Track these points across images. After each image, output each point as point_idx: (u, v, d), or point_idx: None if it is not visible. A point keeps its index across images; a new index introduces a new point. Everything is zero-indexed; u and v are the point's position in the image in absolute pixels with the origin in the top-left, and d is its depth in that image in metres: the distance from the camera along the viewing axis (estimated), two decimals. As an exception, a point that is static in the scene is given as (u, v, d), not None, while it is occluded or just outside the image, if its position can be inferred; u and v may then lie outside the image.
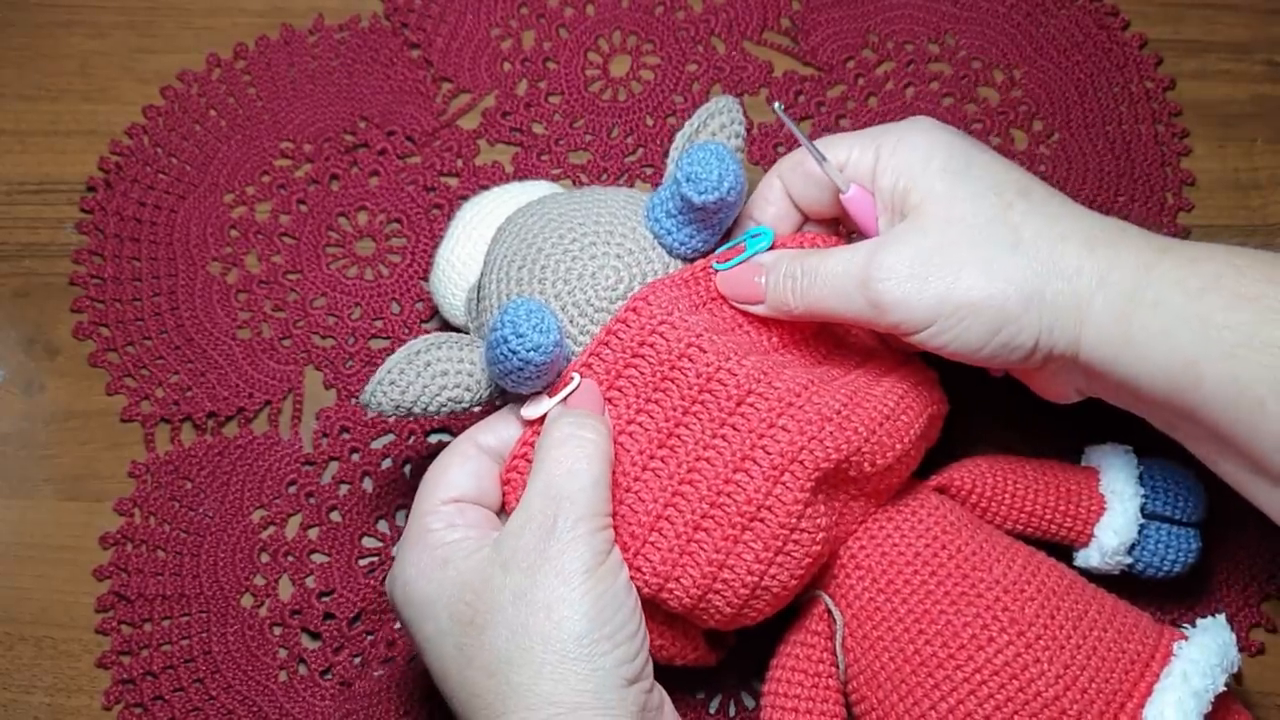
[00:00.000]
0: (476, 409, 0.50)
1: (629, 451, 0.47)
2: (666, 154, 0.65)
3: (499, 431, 0.48)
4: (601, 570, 0.43)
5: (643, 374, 0.47)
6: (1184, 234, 0.62)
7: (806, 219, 0.53)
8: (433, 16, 0.70)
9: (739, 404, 0.45)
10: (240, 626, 0.56)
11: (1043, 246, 0.44)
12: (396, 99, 0.67)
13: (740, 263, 0.50)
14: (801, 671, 0.48)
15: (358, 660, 0.55)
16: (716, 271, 0.50)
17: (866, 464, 0.46)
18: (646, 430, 0.47)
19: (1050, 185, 0.48)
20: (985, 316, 0.44)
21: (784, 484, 0.44)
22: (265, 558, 0.57)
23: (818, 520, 0.45)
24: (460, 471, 0.47)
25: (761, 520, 0.44)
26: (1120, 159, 0.64)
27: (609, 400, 0.48)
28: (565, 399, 0.47)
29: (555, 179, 0.65)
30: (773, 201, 0.53)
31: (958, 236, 0.44)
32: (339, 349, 0.61)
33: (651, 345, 0.47)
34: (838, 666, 0.48)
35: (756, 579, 0.45)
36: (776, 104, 0.51)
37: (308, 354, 0.61)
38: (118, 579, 0.57)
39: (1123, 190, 0.63)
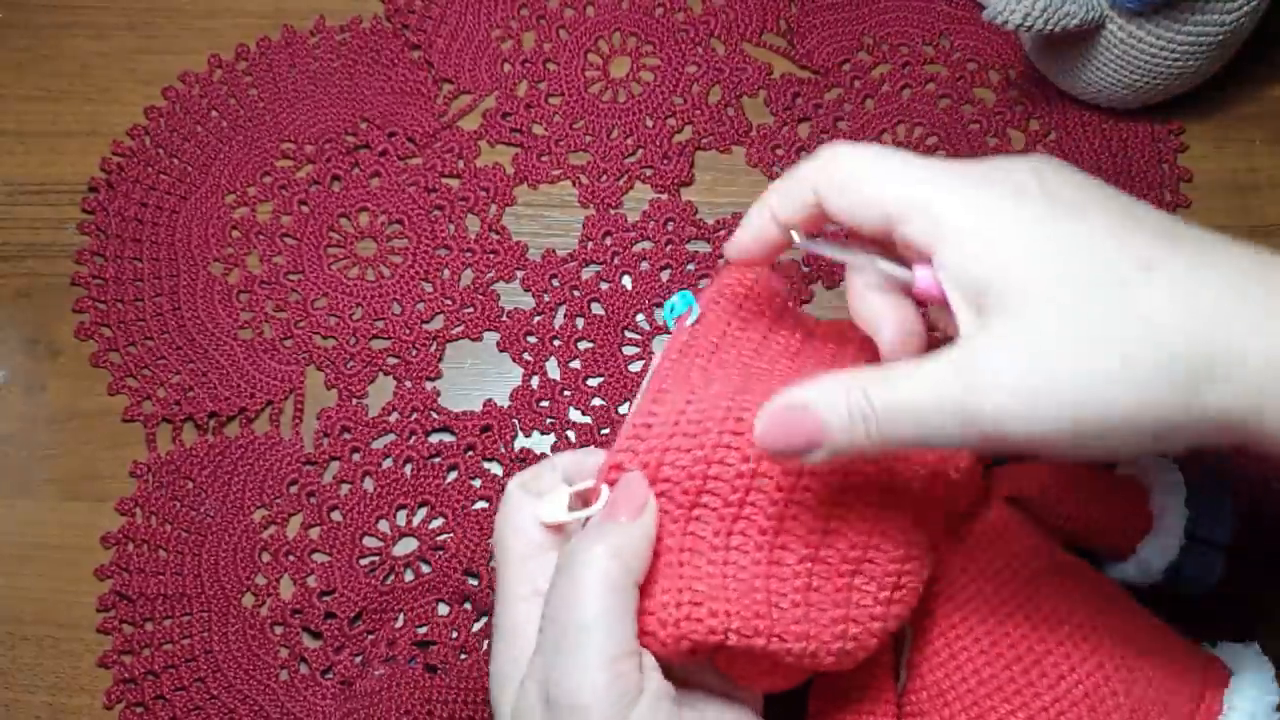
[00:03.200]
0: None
1: (708, 525, 0.41)
2: (665, 155, 0.65)
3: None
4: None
5: (681, 470, 0.41)
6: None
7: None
8: (433, 18, 0.70)
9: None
10: (241, 626, 0.56)
11: (1182, 329, 0.33)
12: (397, 100, 0.68)
13: (779, 407, 0.38)
14: (860, 681, 0.46)
15: (359, 659, 0.55)
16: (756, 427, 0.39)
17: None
18: (715, 508, 0.41)
19: (1173, 221, 0.37)
20: (1137, 429, 0.34)
21: (882, 533, 0.42)
22: (266, 557, 0.57)
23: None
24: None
25: (870, 562, 0.42)
26: (1117, 157, 0.64)
27: (663, 495, 0.41)
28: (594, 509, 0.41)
29: (555, 180, 0.66)
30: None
31: (1079, 347, 0.34)
32: (340, 349, 0.62)
33: (681, 448, 0.40)
34: (896, 679, 0.47)
35: (881, 622, 0.42)
36: (795, 235, 0.41)
37: (309, 354, 0.62)
38: (119, 578, 0.57)
39: (1120, 188, 0.63)
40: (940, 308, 0.39)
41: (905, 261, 0.39)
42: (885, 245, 0.39)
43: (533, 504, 0.43)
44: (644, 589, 0.39)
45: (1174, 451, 0.37)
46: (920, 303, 0.40)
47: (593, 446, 0.44)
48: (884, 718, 0.45)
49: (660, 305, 0.61)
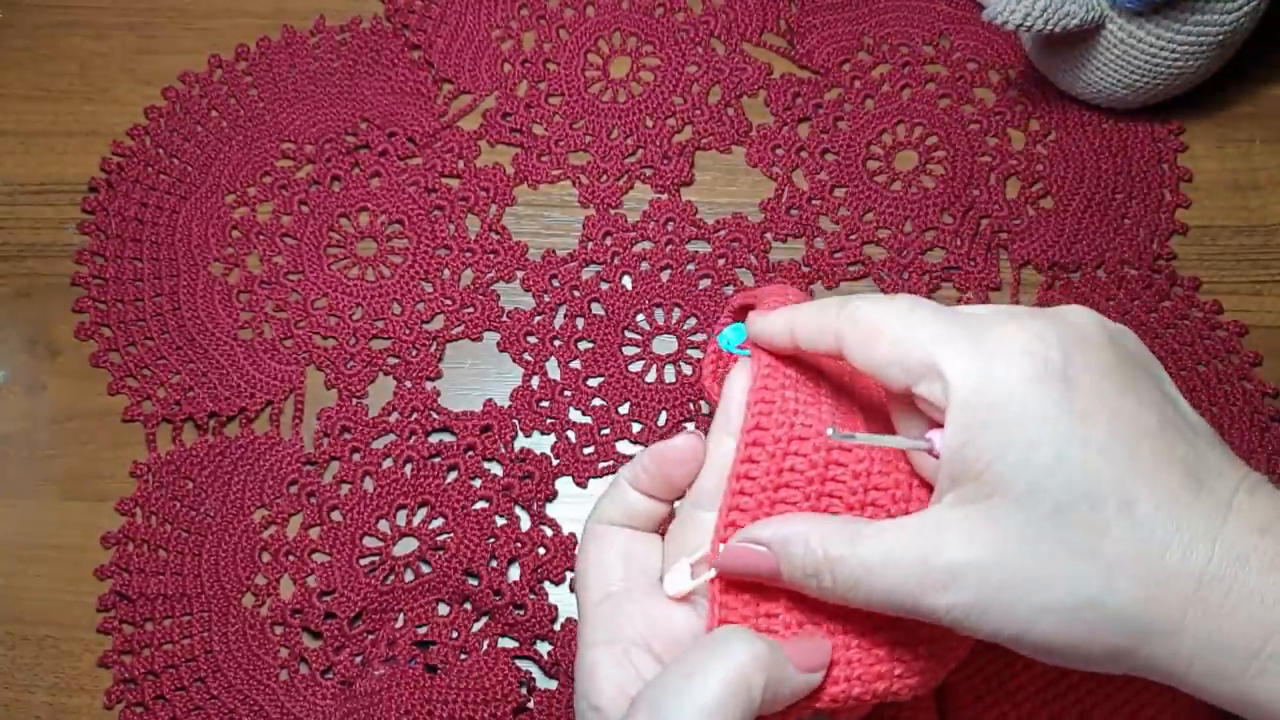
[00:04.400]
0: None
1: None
2: (665, 155, 0.65)
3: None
4: None
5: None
6: (1182, 231, 0.62)
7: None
8: (433, 18, 0.70)
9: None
10: (241, 625, 0.56)
11: (1133, 592, 0.33)
12: (398, 100, 0.68)
13: (743, 541, 0.38)
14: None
15: (359, 659, 0.55)
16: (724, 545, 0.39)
17: None
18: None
19: (1203, 449, 0.35)
20: (1065, 659, 0.35)
21: None
22: (266, 557, 0.57)
23: None
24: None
25: None
26: (1117, 157, 0.64)
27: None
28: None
29: (555, 180, 0.66)
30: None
31: (1036, 565, 0.33)
32: (340, 349, 0.62)
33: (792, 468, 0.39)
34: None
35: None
36: (830, 430, 0.39)
37: (309, 354, 0.62)
38: (119, 578, 0.57)
39: (1120, 188, 0.63)
40: None
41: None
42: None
43: (620, 539, 0.42)
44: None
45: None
46: None
47: (649, 449, 0.42)
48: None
49: (660, 305, 0.61)
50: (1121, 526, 0.33)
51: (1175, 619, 0.33)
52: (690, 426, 0.58)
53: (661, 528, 0.42)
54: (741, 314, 0.45)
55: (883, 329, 0.37)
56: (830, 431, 0.38)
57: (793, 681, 0.36)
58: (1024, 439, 0.34)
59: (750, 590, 0.38)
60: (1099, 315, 0.37)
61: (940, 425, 0.36)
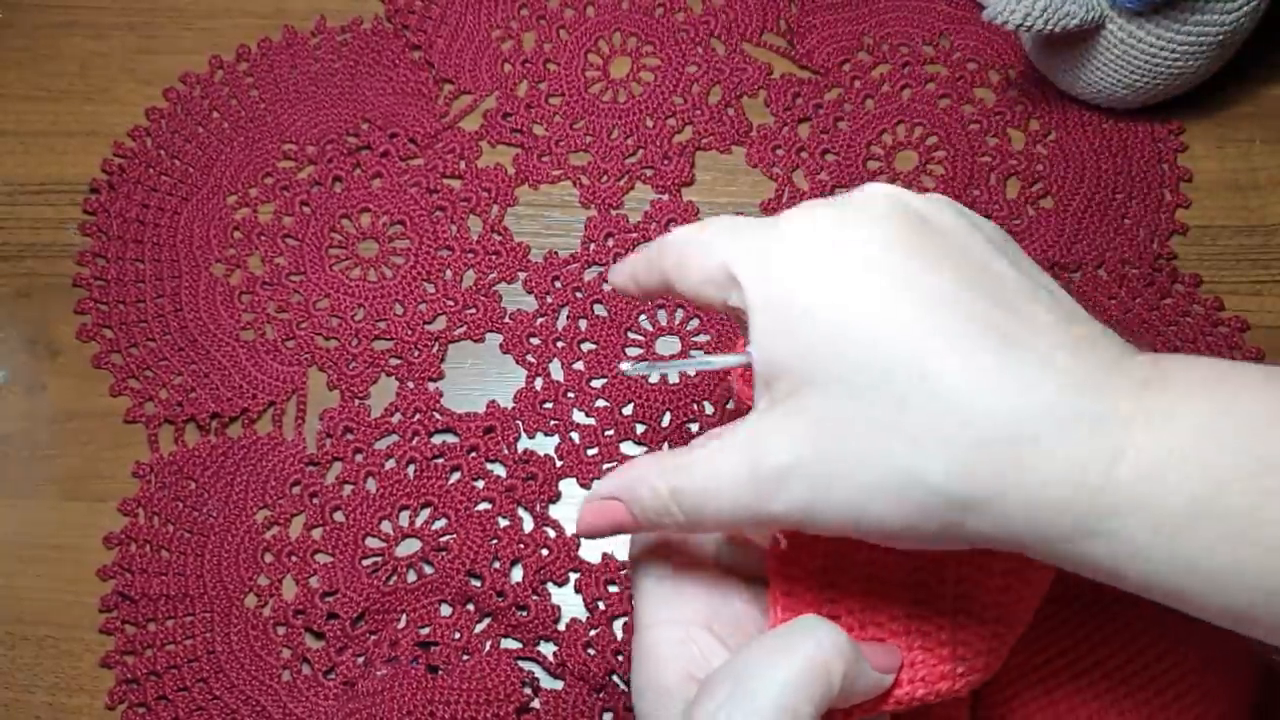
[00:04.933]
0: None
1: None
2: (666, 155, 0.65)
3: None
4: None
5: None
6: (1182, 231, 0.62)
7: None
8: (433, 18, 0.70)
9: None
10: (244, 626, 0.56)
11: (944, 466, 0.32)
12: (399, 101, 0.68)
13: (594, 499, 0.39)
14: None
15: (361, 660, 0.55)
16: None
17: None
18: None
19: (1025, 299, 0.34)
20: (902, 541, 0.34)
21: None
22: (269, 558, 0.57)
23: None
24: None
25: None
26: (1117, 157, 0.64)
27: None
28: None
29: (555, 180, 0.66)
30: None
31: (848, 449, 0.33)
32: (342, 350, 0.61)
33: None
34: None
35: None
36: (624, 365, 0.41)
37: (311, 355, 0.62)
38: (122, 579, 0.57)
39: (1120, 188, 0.63)
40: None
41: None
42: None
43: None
44: None
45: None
46: None
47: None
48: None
49: (662, 307, 0.61)
50: (922, 397, 0.32)
51: (994, 487, 0.31)
52: (694, 428, 0.58)
53: None
54: None
55: (690, 252, 0.38)
56: (626, 366, 0.39)
57: (867, 678, 0.36)
58: (818, 329, 0.33)
59: (813, 591, 0.39)
60: (897, 189, 0.36)
61: None
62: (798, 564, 0.39)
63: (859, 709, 0.37)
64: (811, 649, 0.35)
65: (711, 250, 0.37)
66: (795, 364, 0.34)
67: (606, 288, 0.42)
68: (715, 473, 0.35)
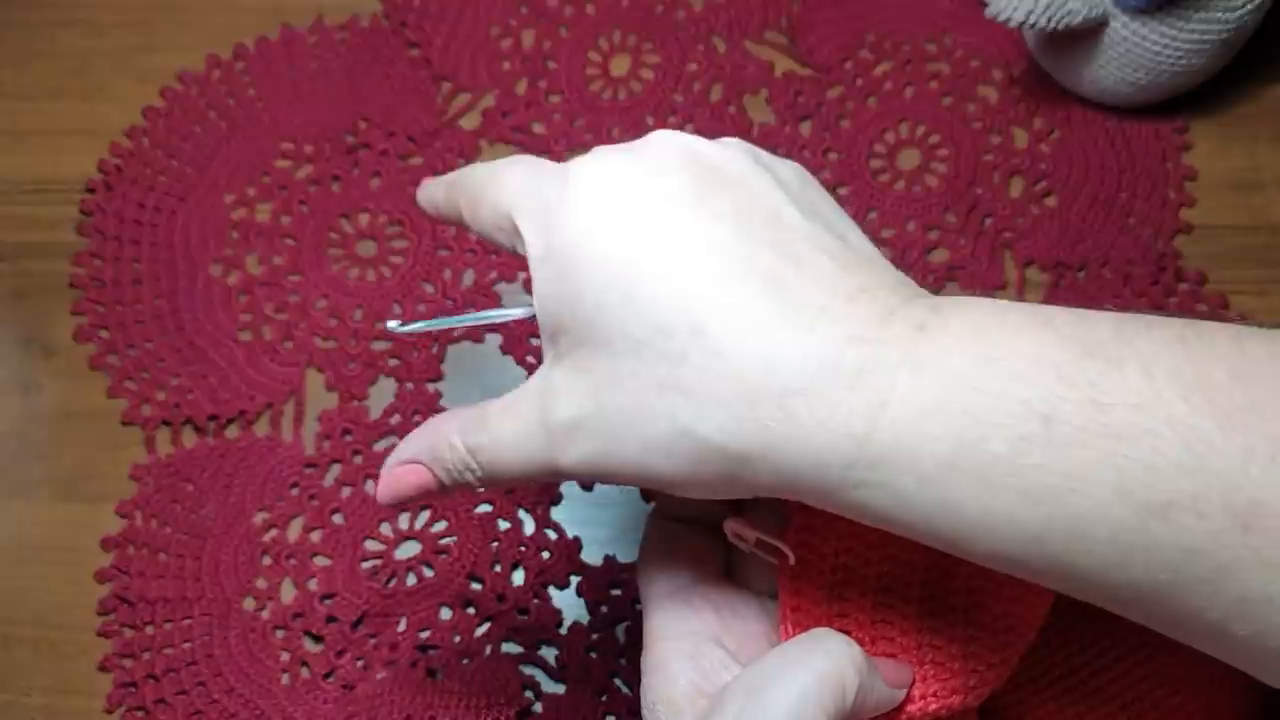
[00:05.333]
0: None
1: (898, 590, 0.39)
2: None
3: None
4: None
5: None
6: (1186, 230, 0.62)
7: None
8: (432, 16, 0.70)
9: None
10: (242, 629, 0.56)
11: (716, 419, 0.32)
12: (397, 99, 0.67)
13: (391, 464, 0.39)
14: None
15: (360, 663, 0.55)
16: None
17: None
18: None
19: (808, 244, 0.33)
20: (695, 492, 0.34)
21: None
22: (267, 560, 0.57)
23: None
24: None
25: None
26: (1121, 155, 0.64)
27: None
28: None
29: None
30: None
31: (623, 403, 0.33)
32: (341, 350, 0.61)
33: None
34: None
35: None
36: (391, 324, 0.43)
37: (309, 356, 0.61)
38: (119, 581, 0.57)
39: (1124, 186, 0.63)
40: None
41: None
42: None
43: (683, 530, 0.41)
44: None
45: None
46: None
47: None
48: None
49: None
50: (696, 352, 0.32)
51: (765, 440, 0.31)
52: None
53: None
54: None
55: (484, 192, 0.37)
56: (393, 324, 0.40)
57: (879, 693, 0.36)
58: (594, 283, 0.33)
59: (823, 605, 0.38)
60: (689, 136, 0.36)
61: None
62: (807, 578, 0.39)
63: None
64: (825, 662, 0.34)
65: (502, 197, 0.36)
66: (577, 318, 0.34)
67: (419, 202, 0.41)
68: (509, 427, 0.35)
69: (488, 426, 0.36)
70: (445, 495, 0.38)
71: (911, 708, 0.37)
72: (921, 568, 0.38)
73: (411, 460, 0.38)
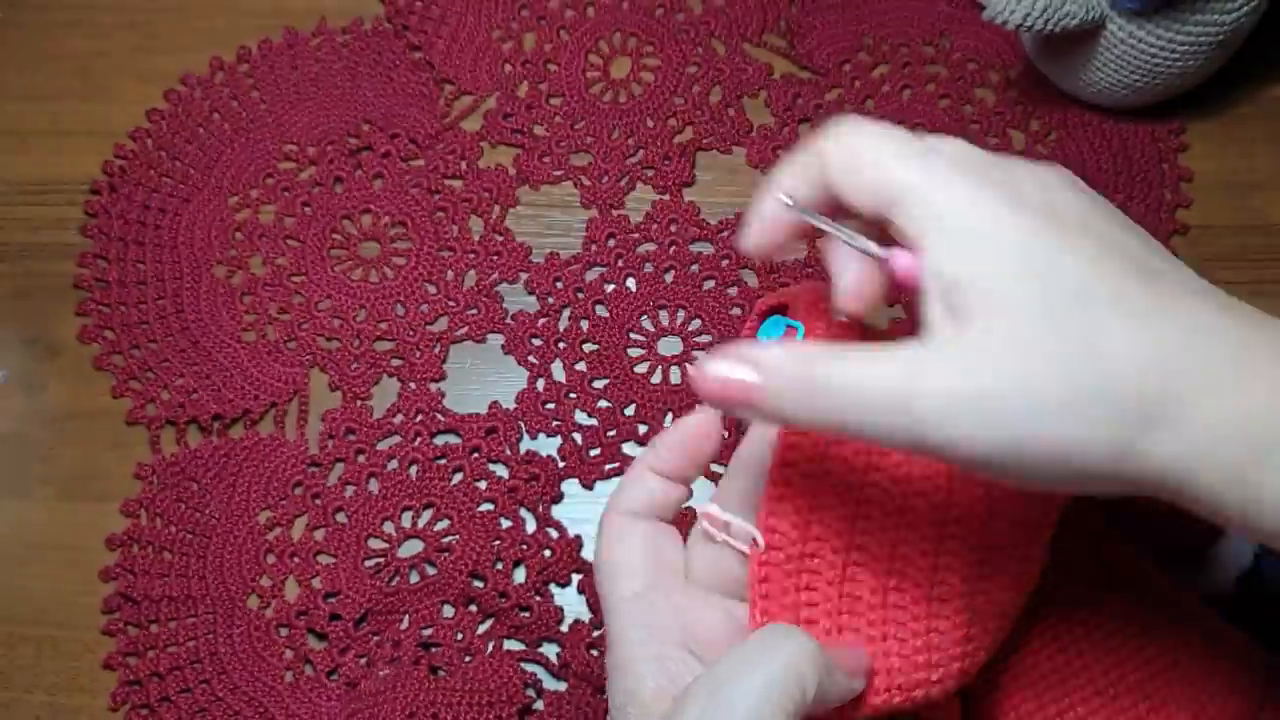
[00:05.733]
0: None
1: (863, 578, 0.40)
2: (666, 156, 0.65)
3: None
4: None
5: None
6: (1182, 231, 0.62)
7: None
8: (434, 19, 0.70)
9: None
10: (246, 628, 0.56)
11: (1135, 370, 0.32)
12: (399, 101, 0.68)
13: (729, 360, 0.37)
14: None
15: (364, 661, 0.55)
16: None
17: None
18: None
19: (1162, 257, 0.36)
20: (1067, 470, 0.33)
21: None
22: (271, 559, 0.57)
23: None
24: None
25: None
26: (1118, 156, 0.64)
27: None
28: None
29: (556, 181, 0.66)
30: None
31: (1032, 368, 0.33)
32: (344, 351, 0.61)
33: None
34: None
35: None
36: (785, 198, 0.39)
37: (312, 356, 0.61)
38: (124, 580, 0.57)
39: (1121, 188, 0.63)
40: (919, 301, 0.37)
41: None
42: (881, 229, 0.38)
43: (641, 530, 0.42)
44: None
45: (1106, 496, 0.35)
46: (897, 289, 0.39)
47: (669, 429, 0.42)
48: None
49: (664, 307, 0.61)
50: (1113, 316, 0.33)
51: (1185, 398, 0.32)
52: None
53: (678, 517, 0.42)
54: (768, 315, 0.45)
55: (866, 155, 0.37)
56: (786, 200, 0.38)
57: (839, 685, 0.36)
58: (1012, 254, 0.34)
59: (790, 596, 0.39)
60: (1070, 173, 0.38)
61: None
62: (775, 565, 0.39)
63: (836, 714, 0.37)
64: (782, 658, 0.35)
65: (893, 165, 0.36)
66: (984, 284, 0.34)
67: (740, 248, 0.40)
68: (873, 362, 0.34)
69: (845, 354, 0.35)
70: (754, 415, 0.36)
71: (875, 699, 0.38)
72: (884, 558, 0.39)
73: (749, 365, 0.36)
